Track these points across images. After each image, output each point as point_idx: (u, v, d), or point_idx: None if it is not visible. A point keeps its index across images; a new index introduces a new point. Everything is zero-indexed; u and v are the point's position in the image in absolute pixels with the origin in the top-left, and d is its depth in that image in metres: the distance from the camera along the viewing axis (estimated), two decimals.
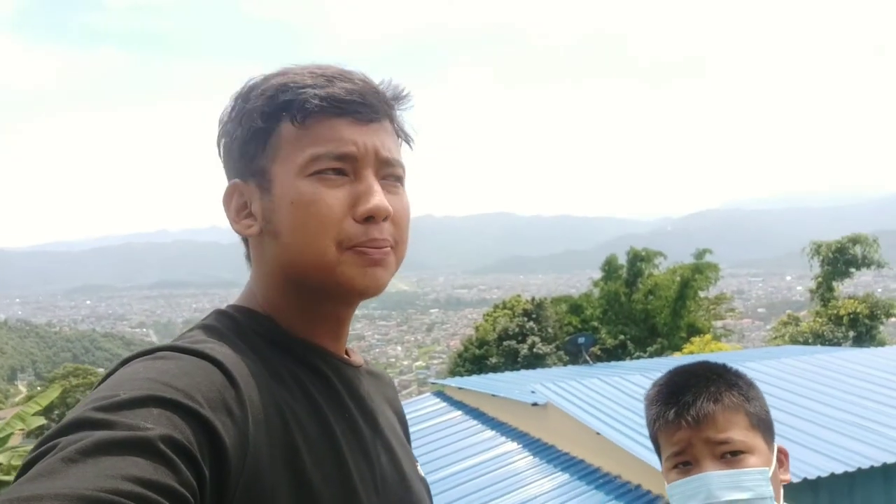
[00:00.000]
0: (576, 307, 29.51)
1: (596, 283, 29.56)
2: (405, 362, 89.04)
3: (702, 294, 28.16)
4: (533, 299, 30.60)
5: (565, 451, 7.51)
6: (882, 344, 21.00)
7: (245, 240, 0.93)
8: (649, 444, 1.35)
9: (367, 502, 0.82)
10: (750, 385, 1.25)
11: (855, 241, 26.31)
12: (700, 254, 27.76)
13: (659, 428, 1.23)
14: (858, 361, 8.70)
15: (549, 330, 28.26)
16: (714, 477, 1.14)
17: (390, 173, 0.88)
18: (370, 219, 0.84)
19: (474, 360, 27.97)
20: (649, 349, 25.15)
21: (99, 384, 0.71)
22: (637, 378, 8.29)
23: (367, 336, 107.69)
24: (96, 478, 0.55)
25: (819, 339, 23.18)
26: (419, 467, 1.00)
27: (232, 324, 0.86)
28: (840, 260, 26.25)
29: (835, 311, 24.77)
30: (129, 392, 0.65)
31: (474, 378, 12.78)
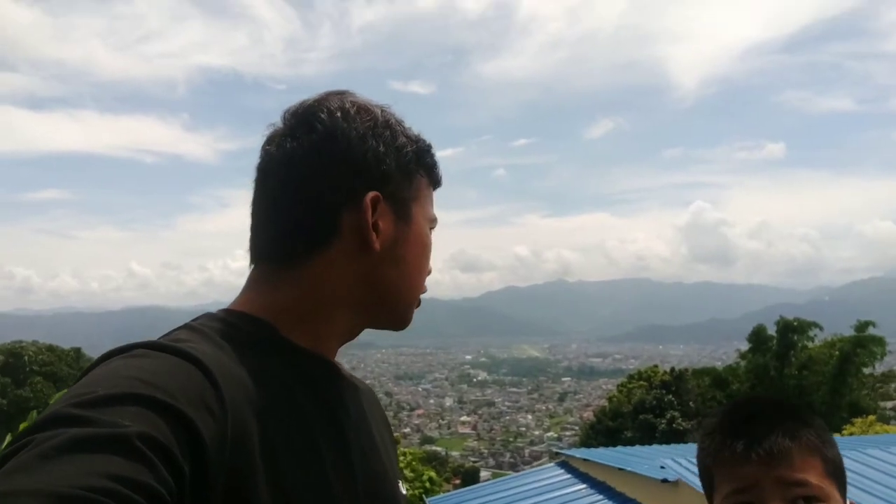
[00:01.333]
0: (720, 380, 27.69)
1: (743, 355, 27.68)
2: (536, 432, 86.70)
3: (866, 371, 25.50)
4: (672, 370, 29.12)
5: None
6: None
7: (296, 241, 0.88)
8: None
9: None
10: (825, 429, 1.08)
11: None
12: (862, 326, 25.29)
13: (720, 461, 1.06)
14: None
15: (691, 404, 26.60)
16: None
17: None
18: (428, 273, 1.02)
19: (608, 432, 26.81)
20: None
21: (77, 380, 0.70)
22: None
23: (497, 402, 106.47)
24: (73, 475, 0.55)
25: None
26: (401, 484, 0.99)
27: (221, 326, 0.85)
28: None
29: None
30: (108, 389, 0.65)
31: (601, 450, 12.18)
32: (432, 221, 1.00)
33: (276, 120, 0.94)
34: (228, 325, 0.85)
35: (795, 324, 26.24)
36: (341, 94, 0.95)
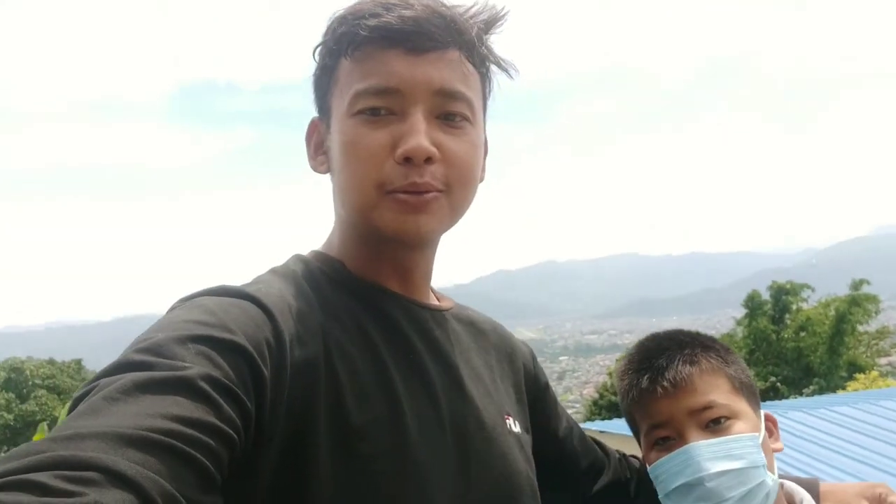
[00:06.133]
0: None
1: (739, 322, 27.87)
2: None
3: (861, 328, 25.80)
4: None
5: None
6: None
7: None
8: None
9: (421, 445, 0.78)
10: (727, 350, 1.12)
11: None
12: (856, 284, 25.55)
13: (633, 400, 1.10)
14: None
15: None
16: (701, 447, 1.00)
17: (452, 110, 0.81)
18: (409, 161, 0.78)
19: (611, 406, 27.00)
20: (805, 391, 23.17)
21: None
22: (797, 415, 7.65)
23: None
24: (136, 416, 0.55)
25: None
26: (512, 421, 0.94)
27: (301, 266, 0.87)
28: None
29: None
30: (167, 332, 0.66)
31: (615, 421, 12.32)
32: (356, 98, 0.80)
33: None
34: (306, 264, 0.87)
35: (788, 287, 26.49)
36: None
